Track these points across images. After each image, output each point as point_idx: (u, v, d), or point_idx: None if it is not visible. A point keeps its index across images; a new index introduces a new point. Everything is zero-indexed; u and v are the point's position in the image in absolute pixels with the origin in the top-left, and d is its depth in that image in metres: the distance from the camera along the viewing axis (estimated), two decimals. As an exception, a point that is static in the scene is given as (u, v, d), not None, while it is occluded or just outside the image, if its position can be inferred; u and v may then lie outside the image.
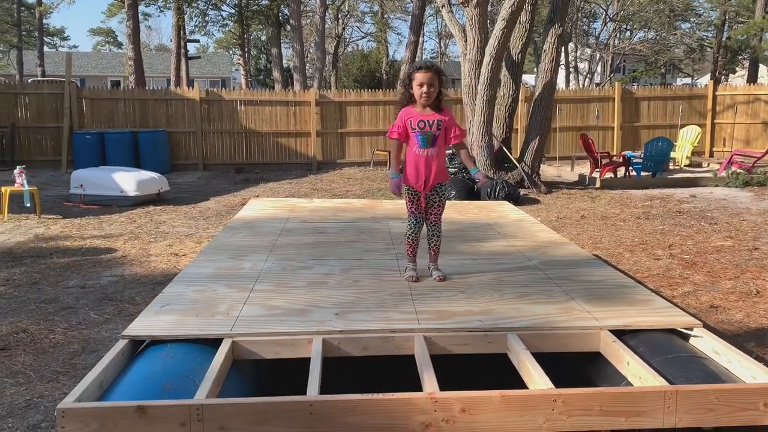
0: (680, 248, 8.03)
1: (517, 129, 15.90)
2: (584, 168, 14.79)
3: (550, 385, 2.65)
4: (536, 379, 2.74)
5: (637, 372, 2.83)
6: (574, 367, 3.41)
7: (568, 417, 2.56)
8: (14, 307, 5.64)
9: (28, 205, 9.81)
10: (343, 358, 3.16)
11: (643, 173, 13.97)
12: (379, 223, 5.85)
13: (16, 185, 9.79)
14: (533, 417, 2.55)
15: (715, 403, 2.57)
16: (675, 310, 3.50)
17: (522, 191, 12.06)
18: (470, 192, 11.31)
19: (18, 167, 9.99)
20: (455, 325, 3.24)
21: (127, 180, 11.02)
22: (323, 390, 2.68)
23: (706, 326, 3.34)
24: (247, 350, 3.09)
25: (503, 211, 6.60)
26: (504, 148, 12.86)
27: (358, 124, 16.82)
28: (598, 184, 13.19)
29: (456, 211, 6.56)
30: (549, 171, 15.44)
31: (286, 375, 3.48)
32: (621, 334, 3.26)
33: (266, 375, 3.62)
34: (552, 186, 13.07)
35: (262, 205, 6.77)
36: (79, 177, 11.25)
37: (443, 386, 2.65)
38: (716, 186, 13.30)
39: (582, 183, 13.68)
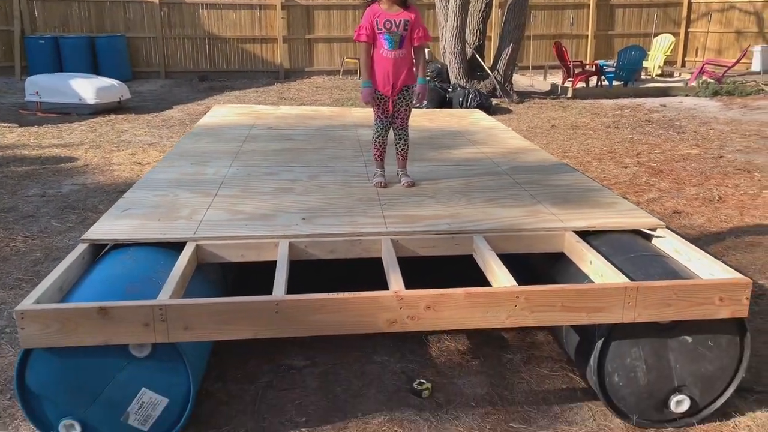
0: (648, 156, 8.09)
1: (490, 36, 15.54)
2: (557, 78, 14.64)
3: (513, 283, 2.68)
4: (500, 277, 2.76)
5: (600, 270, 2.87)
6: (540, 268, 3.46)
7: (531, 313, 2.60)
8: (-28, 216, 5.49)
9: (-22, 117, 9.41)
10: (312, 262, 3.15)
11: (615, 82, 13.88)
12: (348, 130, 5.73)
13: (-33, 92, 9.32)
14: (496, 313, 2.59)
15: (674, 298, 2.63)
16: (640, 212, 3.53)
17: (494, 101, 11.93)
18: (442, 101, 11.15)
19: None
20: (423, 228, 3.23)
21: (86, 87, 10.58)
22: (292, 293, 2.66)
23: (669, 229, 3.39)
24: (211, 253, 3.05)
25: (474, 119, 6.52)
26: (477, 56, 12.60)
27: (327, 30, 16.25)
28: (570, 94, 13.09)
29: (427, 118, 6.46)
30: (522, 80, 15.25)
31: (253, 282, 3.47)
32: (585, 235, 3.29)
33: (233, 281, 3.61)
34: (524, 95, 12.94)
35: (225, 111, 6.57)
36: (34, 83, 10.76)
37: (411, 287, 2.66)
38: (686, 95, 13.31)
39: (554, 93, 13.57)
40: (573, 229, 3.27)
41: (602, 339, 2.72)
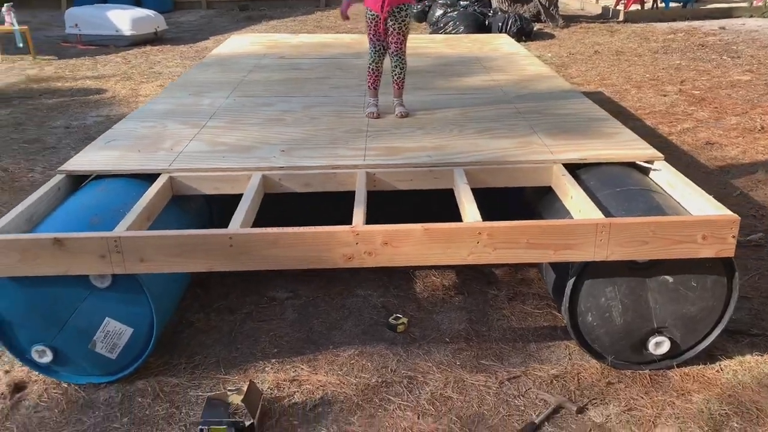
0: (692, 84, 7.59)
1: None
2: (610, 1, 13.78)
3: (478, 218, 2.56)
4: (467, 212, 2.64)
5: (579, 205, 2.71)
6: (532, 203, 3.31)
7: (494, 250, 2.49)
8: (-3, 147, 5.66)
9: (21, 45, 9.59)
10: (316, 199, 3.08)
11: (672, 4, 12.97)
12: (360, 59, 5.54)
13: (5, 25, 9.49)
14: (457, 250, 2.49)
15: (650, 236, 2.47)
16: (640, 144, 3.30)
17: (537, 26, 11.36)
18: (481, 26, 10.69)
19: (5, 5, 9.62)
20: (402, 161, 3.11)
21: (122, 18, 10.60)
22: (265, 225, 2.60)
23: (679, 162, 3.17)
24: (186, 186, 3.04)
25: (498, 44, 6.20)
26: (520, -21, 11.93)
27: (369, -45, 15.65)
28: (621, 17, 12.34)
29: (447, 45, 6.19)
30: (572, 4, 14.44)
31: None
32: (577, 168, 3.11)
33: (219, 214, 3.60)
34: (571, 20, 12.26)
35: (241, 41, 6.45)
36: (73, 16, 10.86)
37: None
38: (751, 17, 12.34)
39: (605, 16, 12.81)
40: (562, 161, 3.09)
41: (574, 278, 2.59)
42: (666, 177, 2.98)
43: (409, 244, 2.47)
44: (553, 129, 3.54)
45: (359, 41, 6.52)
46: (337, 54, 5.73)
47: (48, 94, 7.51)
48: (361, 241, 2.46)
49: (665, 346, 2.67)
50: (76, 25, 10.77)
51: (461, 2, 11.57)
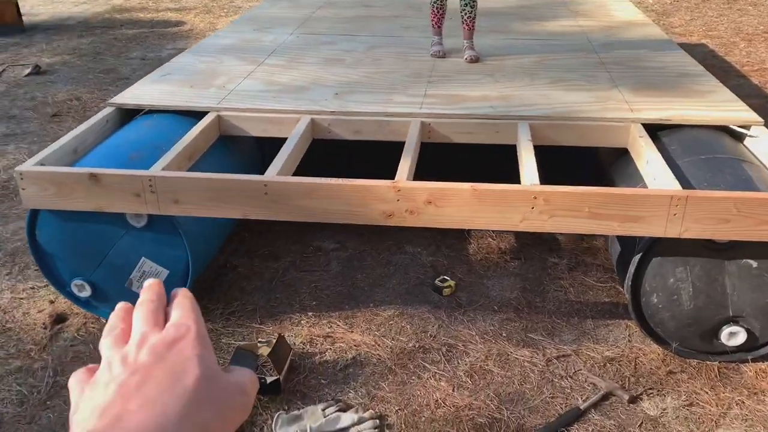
0: (812, 39, 6.77)
1: None
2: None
3: (536, 181, 2.30)
4: (526, 172, 2.38)
5: (655, 172, 2.40)
6: (607, 166, 3.00)
7: (550, 217, 2.24)
8: (75, 75, 5.75)
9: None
10: (351, 143, 2.91)
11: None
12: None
13: (96, -46, 9.60)
14: (508, 214, 2.25)
15: (734, 213, 2.14)
16: (737, 104, 2.89)
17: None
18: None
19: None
20: (462, 111, 2.86)
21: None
22: (315, 173, 2.45)
23: (770, 126, 2.76)
24: (233, 126, 2.91)
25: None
26: None
27: None
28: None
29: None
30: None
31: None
32: (659, 129, 2.77)
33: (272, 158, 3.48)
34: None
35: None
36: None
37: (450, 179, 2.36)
38: None
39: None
40: (642, 121, 2.75)
41: (641, 254, 2.31)
42: (765, 145, 2.60)
43: (455, 204, 2.26)
44: (637, 84, 3.16)
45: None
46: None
47: (129, 25, 7.57)
48: (403, 198, 2.27)
49: (740, 338, 2.37)
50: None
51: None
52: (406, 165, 2.44)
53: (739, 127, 2.72)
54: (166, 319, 0.50)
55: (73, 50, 6.50)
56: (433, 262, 3.11)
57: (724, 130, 2.75)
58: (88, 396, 0.45)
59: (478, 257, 3.15)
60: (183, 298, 0.52)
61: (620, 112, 2.82)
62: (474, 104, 2.94)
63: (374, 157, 3.24)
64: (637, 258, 2.32)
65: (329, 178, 2.31)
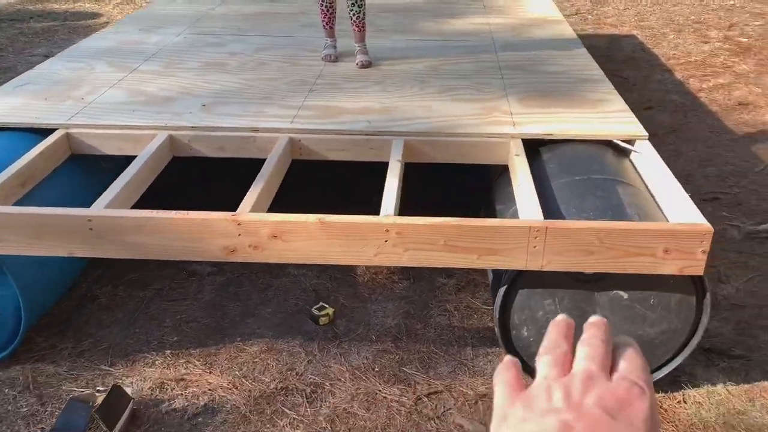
0: (741, 30, 6.71)
1: None
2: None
3: (390, 211, 2.10)
4: (385, 200, 2.19)
5: (522, 196, 2.23)
6: (491, 183, 2.82)
7: (405, 250, 2.05)
8: (-34, 75, 5.36)
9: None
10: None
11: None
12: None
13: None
14: (361, 248, 2.06)
15: (597, 244, 1.98)
16: (625, 117, 2.74)
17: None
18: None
19: None
20: (335, 126, 2.65)
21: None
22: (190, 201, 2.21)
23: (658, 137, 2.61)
24: (85, 144, 2.65)
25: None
26: None
27: None
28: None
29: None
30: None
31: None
32: (543, 143, 2.60)
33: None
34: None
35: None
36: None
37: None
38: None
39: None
40: (523, 136, 2.58)
41: (506, 286, 2.14)
42: (645, 165, 2.45)
43: (302, 238, 2.05)
44: (530, 91, 2.99)
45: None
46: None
47: (40, 17, 7.15)
48: (245, 233, 2.05)
49: (617, 371, 2.22)
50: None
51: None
52: (255, 192, 2.22)
53: (623, 142, 2.57)
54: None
55: (-21, 47, 6.09)
56: (316, 285, 2.90)
57: (609, 144, 2.59)
58: (521, 414, 0.45)
59: (365, 278, 2.96)
60: (634, 352, 0.48)
61: (502, 126, 2.64)
62: (351, 118, 2.73)
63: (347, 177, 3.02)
64: (502, 290, 2.15)
65: (164, 211, 2.08)
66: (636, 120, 2.67)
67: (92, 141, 2.64)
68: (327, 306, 2.72)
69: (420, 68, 3.31)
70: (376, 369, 2.45)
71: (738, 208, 3.49)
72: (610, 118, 2.72)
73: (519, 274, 2.11)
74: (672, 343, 2.19)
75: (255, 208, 2.14)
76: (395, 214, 2.07)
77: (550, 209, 2.16)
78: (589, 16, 7.29)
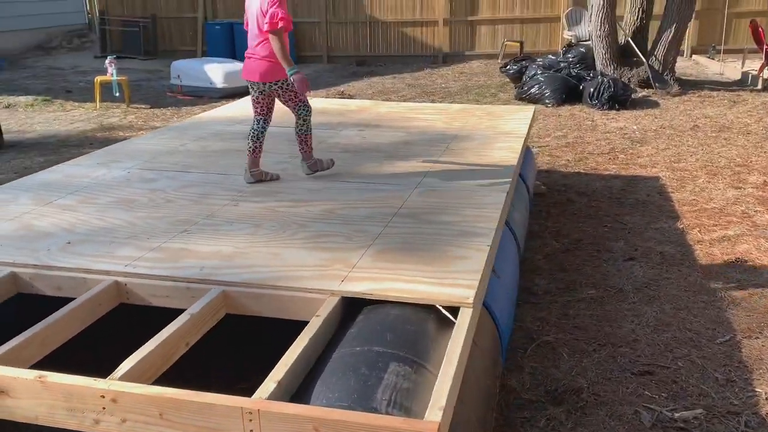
0: (785, 175, 6.11)
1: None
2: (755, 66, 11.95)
3: (124, 370, 1.96)
4: (131, 359, 2.05)
5: (281, 366, 2.01)
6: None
7: (123, 422, 1.89)
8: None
9: (117, 94, 10.33)
10: None
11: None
12: (330, 130, 5.09)
13: (107, 75, 10.29)
14: (83, 413, 1.92)
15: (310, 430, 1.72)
16: (465, 279, 2.46)
17: (645, 92, 10.09)
18: (572, 91, 9.69)
19: (109, 57, 10.46)
20: (163, 272, 2.60)
21: (216, 72, 11.09)
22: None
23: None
24: (-58, 275, 2.77)
25: (509, 119, 5.39)
26: (631, 42, 10.69)
27: (492, 11, 15.16)
28: (759, 85, 10.60)
29: (448, 116, 5.52)
30: (712, 67, 12.75)
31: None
32: (369, 303, 2.39)
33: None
34: (693, 86, 10.74)
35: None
36: (177, 68, 11.57)
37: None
38: None
39: (743, 83, 11.11)
40: (343, 293, 2.39)
41: (242, 470, 1.89)
42: (455, 336, 2.16)
43: (27, 396, 1.95)
44: (397, 244, 2.81)
45: (366, 109, 6.06)
46: (319, 123, 5.28)
47: (99, 144, 7.89)
48: (-22, 384, 1.99)
49: None
50: (179, 76, 11.45)
51: (561, 62, 10.64)
52: (23, 338, 2.17)
53: (445, 308, 2.30)
54: None
55: (23, 169, 6.77)
56: None
57: (433, 308, 2.33)
58: None
59: None
60: None
61: (329, 282, 2.46)
62: (191, 263, 2.67)
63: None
64: (240, 475, 1.90)
65: None
66: (469, 287, 2.39)
67: (-51, 273, 2.75)
68: None
69: (313, 211, 3.24)
70: None
71: (669, 386, 2.98)
72: (450, 279, 2.47)
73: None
74: None
75: (9, 357, 2.08)
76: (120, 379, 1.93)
77: (305, 384, 1.93)
78: (621, 156, 6.97)
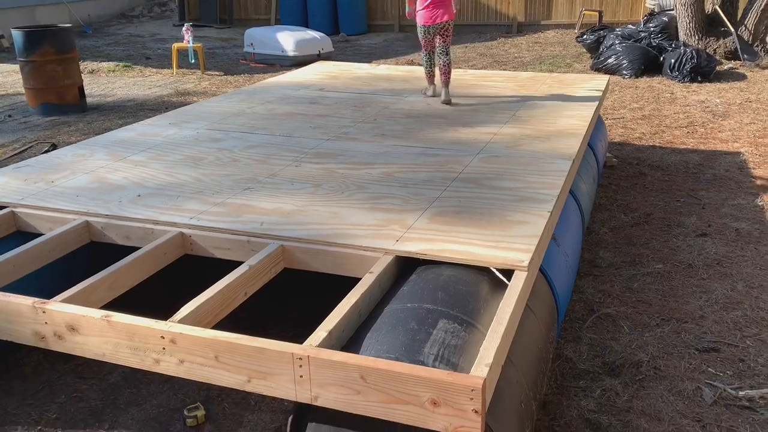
0: None
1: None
2: None
3: (183, 314, 2.04)
4: (194, 302, 2.13)
5: (332, 316, 2.04)
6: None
7: (180, 362, 1.97)
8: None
9: (193, 61, 10.60)
10: None
11: None
12: (394, 96, 5.06)
13: (184, 42, 10.57)
14: (144, 352, 2.02)
15: (361, 383, 1.75)
16: (522, 243, 2.42)
17: (732, 64, 9.55)
18: (652, 62, 9.26)
19: (186, 25, 10.73)
20: (225, 225, 2.68)
21: (288, 40, 11.20)
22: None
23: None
24: (25, 222, 2.95)
25: (581, 87, 5.22)
26: (719, 10, 10.10)
27: (570, -22, 14.62)
28: None
29: (518, 84, 5.38)
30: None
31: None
32: (423, 263, 2.39)
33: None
34: (787, 58, 10.07)
35: (318, 69, 6.32)
36: (250, 36, 11.74)
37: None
38: None
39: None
40: (397, 253, 2.40)
41: (291, 415, 1.95)
42: (507, 297, 2.13)
43: (93, 334, 2.06)
44: (454, 207, 2.79)
45: (412, 76, 5.97)
46: (375, 90, 5.27)
47: (174, 108, 8.13)
48: (50, 321, 2.12)
49: None
50: (252, 44, 11.62)
51: (641, 32, 10.17)
52: (93, 280, 2.29)
53: (499, 271, 2.27)
54: None
55: (103, 130, 7.07)
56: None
57: (486, 270, 2.31)
58: None
59: (261, 384, 2.85)
60: None
61: (384, 241, 2.47)
62: (252, 218, 2.74)
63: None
64: (290, 420, 1.96)
65: (-8, 292, 2.22)
66: (525, 251, 2.35)
67: (31, 220, 2.93)
68: (200, 407, 2.66)
69: (372, 174, 3.25)
70: (204, 482, 2.32)
71: (735, 365, 2.86)
72: (506, 242, 2.43)
73: (299, 405, 1.92)
74: None
75: (79, 297, 2.20)
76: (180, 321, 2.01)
77: (354, 338, 1.96)
78: (701, 129, 6.64)
